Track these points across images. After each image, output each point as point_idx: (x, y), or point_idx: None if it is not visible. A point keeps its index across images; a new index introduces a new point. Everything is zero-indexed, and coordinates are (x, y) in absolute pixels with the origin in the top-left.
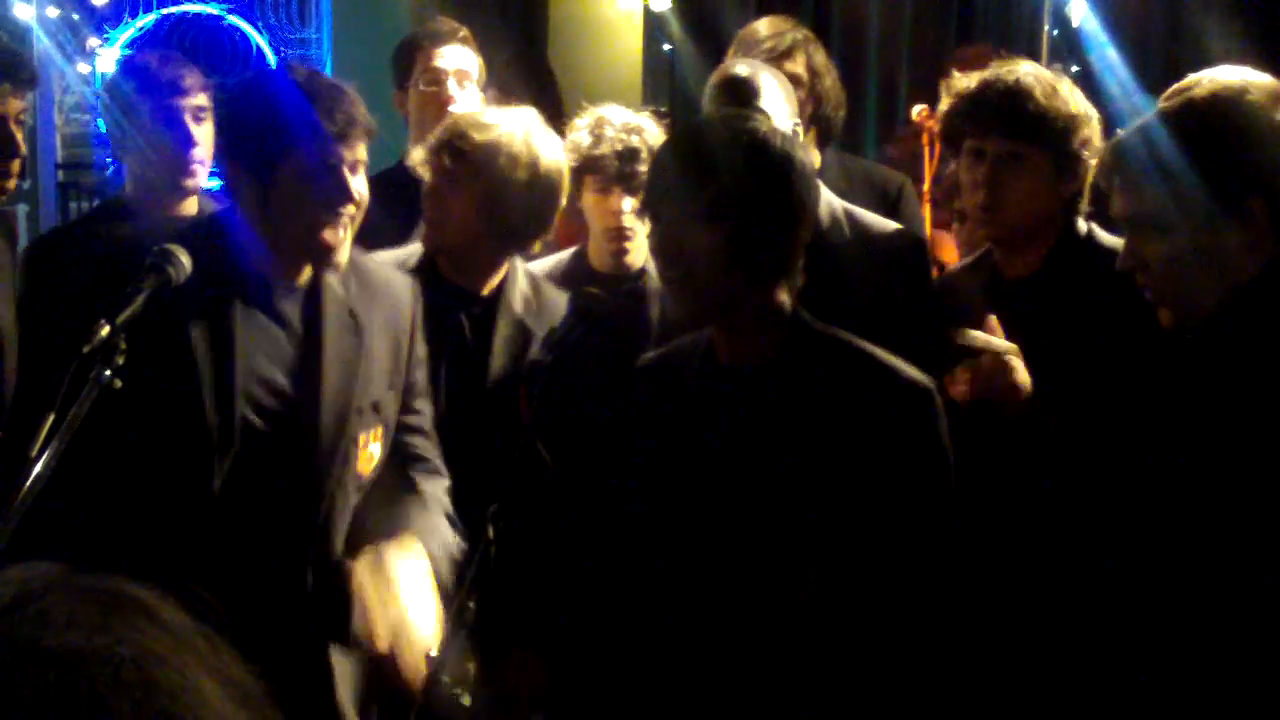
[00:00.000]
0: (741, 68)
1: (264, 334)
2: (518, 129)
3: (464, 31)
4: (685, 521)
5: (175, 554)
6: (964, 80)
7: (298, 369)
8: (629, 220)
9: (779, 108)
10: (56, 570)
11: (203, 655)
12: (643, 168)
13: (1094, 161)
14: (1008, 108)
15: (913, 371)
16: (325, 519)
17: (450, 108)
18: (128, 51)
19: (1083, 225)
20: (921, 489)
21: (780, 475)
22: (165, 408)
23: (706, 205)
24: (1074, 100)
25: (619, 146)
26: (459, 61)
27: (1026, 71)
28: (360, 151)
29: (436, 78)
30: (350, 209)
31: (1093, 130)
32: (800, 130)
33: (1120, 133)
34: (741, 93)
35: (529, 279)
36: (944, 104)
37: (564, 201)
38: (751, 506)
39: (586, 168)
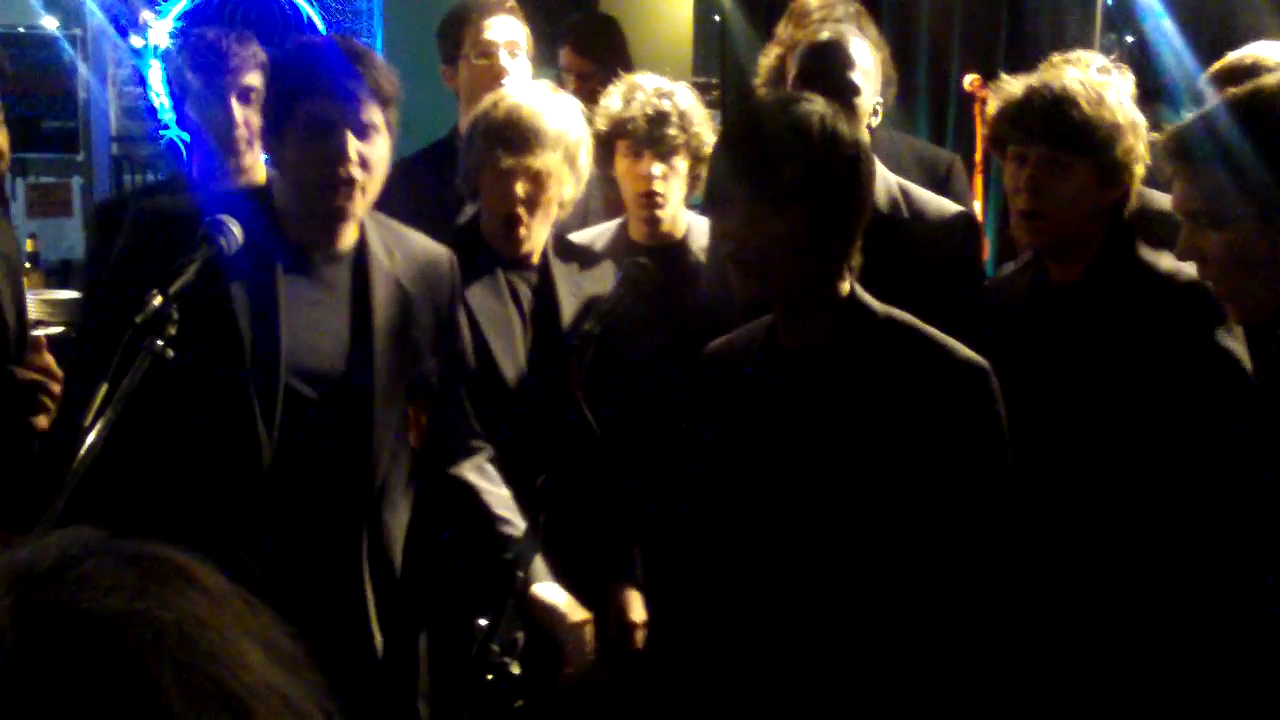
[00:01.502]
0: (831, 33)
1: (309, 301)
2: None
3: (511, 2)
4: (742, 501)
5: (226, 523)
6: (1011, 86)
7: (348, 337)
8: (659, 185)
9: (868, 83)
10: (96, 535)
11: (242, 618)
12: (672, 131)
13: (1140, 170)
14: (1050, 115)
15: (968, 352)
16: (380, 490)
17: (503, 80)
18: (180, 24)
19: (1140, 248)
20: (976, 467)
21: (835, 454)
22: (212, 377)
23: (779, 192)
24: (1120, 109)
25: (649, 110)
26: (508, 32)
27: (1073, 78)
28: (372, 114)
29: (487, 50)
30: (352, 172)
31: (1138, 139)
32: (880, 110)
33: (1167, 126)
34: (833, 63)
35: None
36: (991, 109)
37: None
38: (804, 485)
39: (617, 132)
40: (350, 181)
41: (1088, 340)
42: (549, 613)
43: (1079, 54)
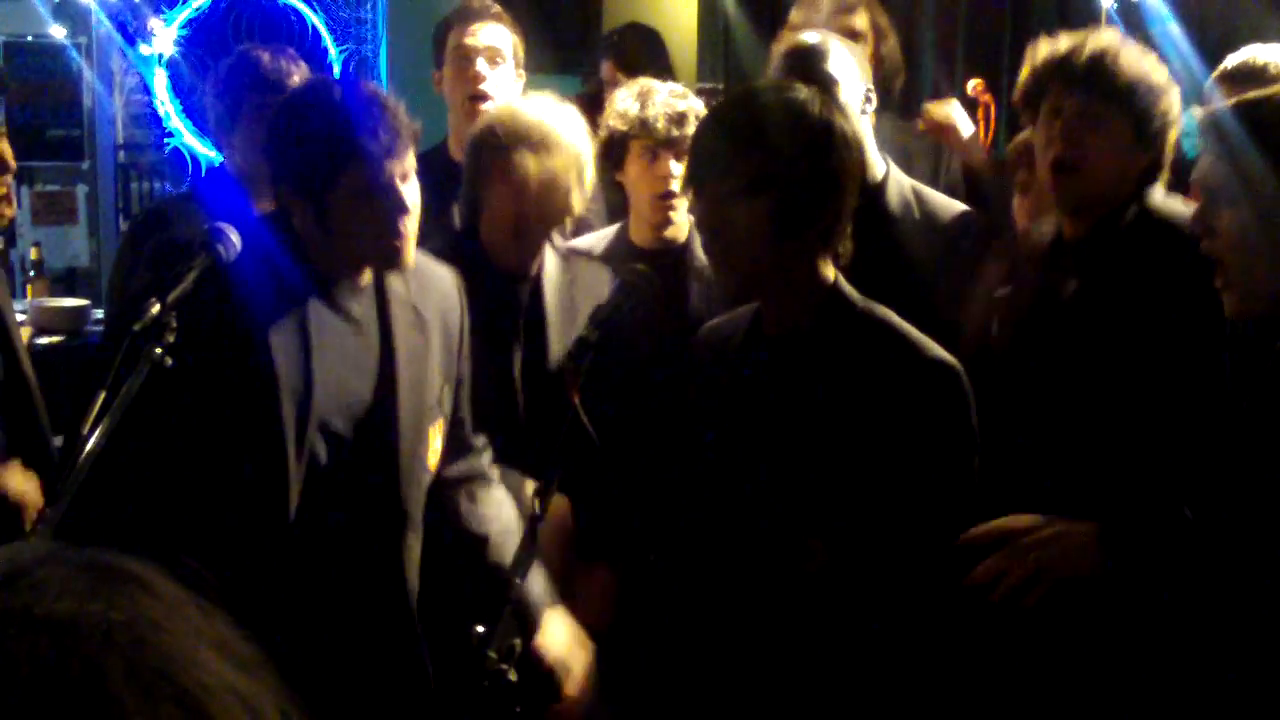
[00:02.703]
0: (810, 35)
1: (338, 334)
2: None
3: (496, 9)
4: (718, 484)
5: (254, 557)
6: (1050, 44)
7: (374, 369)
8: (676, 185)
9: (848, 73)
10: (49, 546)
11: (195, 623)
12: (690, 130)
13: (1173, 134)
14: (1092, 67)
15: (938, 351)
16: (411, 518)
17: (480, 85)
18: (185, 32)
19: (1153, 195)
20: (937, 468)
21: (802, 442)
22: (241, 405)
23: (749, 178)
24: (1159, 70)
25: (669, 111)
26: (489, 39)
27: (1113, 38)
28: (409, 160)
29: (464, 55)
30: (408, 224)
31: (1173, 102)
32: (874, 97)
33: (1202, 108)
34: (809, 59)
35: (558, 254)
36: (1026, 69)
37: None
38: (773, 473)
39: (635, 133)
40: (408, 236)
41: (1091, 294)
42: (551, 658)
43: None
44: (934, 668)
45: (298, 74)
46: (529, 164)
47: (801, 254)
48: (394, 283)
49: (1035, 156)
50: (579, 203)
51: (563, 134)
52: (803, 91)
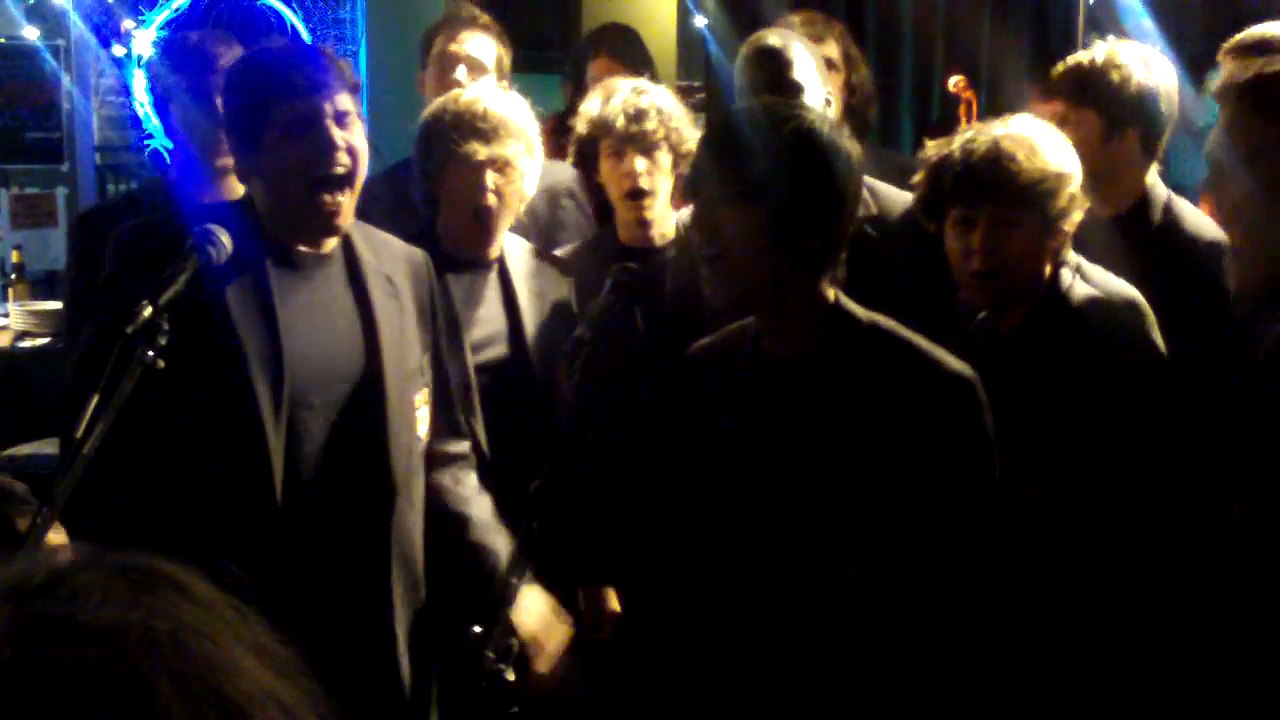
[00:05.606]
0: (774, 38)
1: (306, 305)
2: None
3: (485, 20)
4: (730, 512)
5: (244, 533)
6: (937, 149)
7: (351, 337)
8: (645, 182)
9: (811, 79)
10: (85, 550)
11: (234, 626)
12: (651, 125)
13: (1078, 216)
14: (994, 175)
15: (956, 363)
16: (400, 485)
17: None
18: (163, 33)
19: (1066, 278)
20: (963, 480)
21: (821, 466)
22: (216, 390)
23: (747, 185)
24: (1051, 157)
25: (628, 108)
26: (473, 49)
27: (1000, 134)
28: (344, 102)
29: (446, 61)
30: (342, 160)
31: (1075, 183)
32: (832, 101)
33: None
34: (775, 64)
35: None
36: (920, 175)
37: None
38: (793, 497)
39: (598, 133)
40: (344, 178)
41: (1029, 385)
42: (524, 623)
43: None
44: (962, 681)
45: (227, 54)
46: (486, 152)
47: (798, 270)
48: (364, 253)
49: (951, 259)
50: (531, 185)
51: (509, 118)
52: (811, 111)
